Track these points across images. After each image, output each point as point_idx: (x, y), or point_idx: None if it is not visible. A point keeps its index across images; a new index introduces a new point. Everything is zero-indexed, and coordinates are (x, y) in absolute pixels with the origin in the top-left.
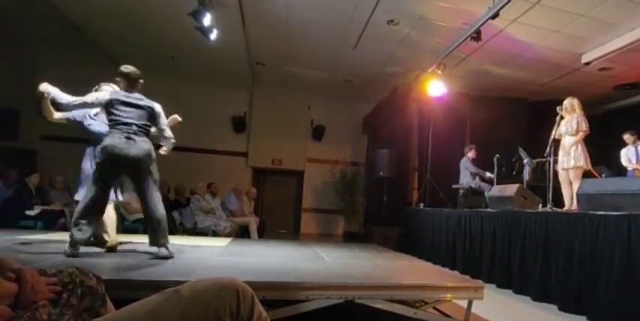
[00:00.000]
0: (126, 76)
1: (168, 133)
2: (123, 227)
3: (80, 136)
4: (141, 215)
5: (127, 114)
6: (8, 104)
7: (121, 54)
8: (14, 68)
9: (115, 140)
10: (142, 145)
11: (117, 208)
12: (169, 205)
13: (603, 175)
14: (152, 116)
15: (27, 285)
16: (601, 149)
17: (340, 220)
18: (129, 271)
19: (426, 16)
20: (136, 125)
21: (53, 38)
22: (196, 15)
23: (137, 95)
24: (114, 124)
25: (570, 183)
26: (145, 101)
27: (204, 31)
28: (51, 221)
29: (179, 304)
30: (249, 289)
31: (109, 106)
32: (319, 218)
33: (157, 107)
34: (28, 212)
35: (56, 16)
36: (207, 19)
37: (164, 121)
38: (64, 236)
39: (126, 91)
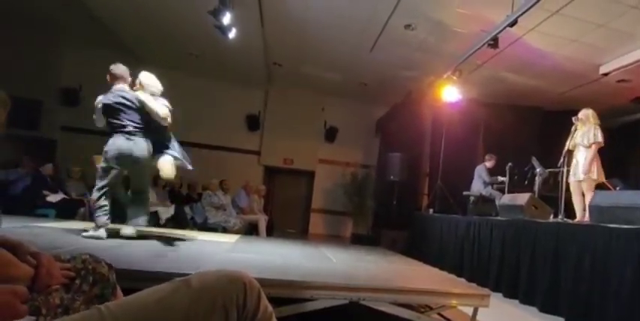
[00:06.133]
0: None
1: None
2: None
3: (101, 129)
4: (152, 208)
5: None
6: (31, 95)
7: (141, 50)
8: (38, 60)
9: None
10: None
11: None
12: (181, 200)
13: (618, 188)
14: None
15: (43, 268)
16: (616, 161)
17: (349, 222)
18: (138, 261)
19: (444, 22)
20: None
21: (76, 31)
22: (216, 13)
23: None
24: None
25: (583, 194)
26: None
27: (223, 30)
28: (68, 210)
29: (188, 294)
30: (256, 283)
31: None
32: (328, 219)
33: None
34: (49, 198)
35: (80, 10)
36: (226, 18)
37: None
38: (80, 225)
39: None
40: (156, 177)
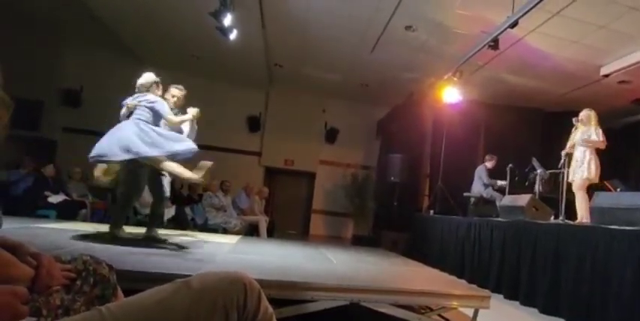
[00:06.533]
0: None
1: None
2: (136, 220)
3: (101, 130)
4: None
5: None
6: (32, 96)
7: (143, 51)
8: (39, 61)
9: None
10: None
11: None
12: (182, 201)
13: (618, 189)
14: None
15: (43, 269)
16: (617, 163)
17: (349, 224)
18: (138, 262)
19: (445, 23)
20: None
21: (78, 32)
22: (217, 15)
23: None
24: None
25: (586, 195)
26: None
27: (224, 31)
28: (69, 211)
29: (188, 295)
30: (257, 284)
31: None
32: (328, 220)
33: None
34: (50, 199)
35: (81, 11)
36: (227, 20)
37: None
38: (80, 226)
39: None
40: None
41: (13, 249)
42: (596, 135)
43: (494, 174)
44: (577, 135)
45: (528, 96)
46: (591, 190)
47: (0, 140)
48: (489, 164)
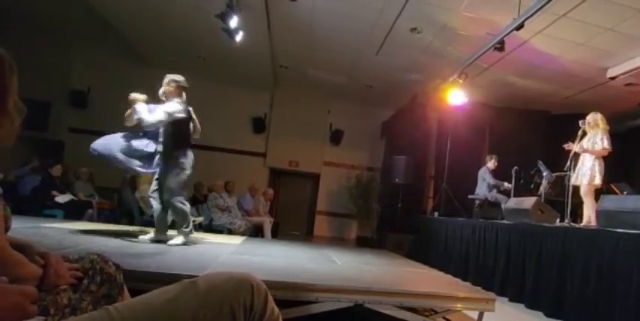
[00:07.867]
0: None
1: None
2: (142, 221)
3: (107, 131)
4: None
5: None
6: (40, 96)
7: (149, 52)
8: (47, 62)
9: None
10: None
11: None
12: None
13: (625, 193)
14: None
15: (51, 268)
16: (623, 166)
17: (353, 225)
18: (145, 262)
19: (450, 25)
20: None
21: (85, 34)
22: (223, 17)
23: None
24: None
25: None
26: None
27: (230, 33)
28: (76, 211)
29: (196, 296)
30: (264, 285)
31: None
32: (333, 222)
33: None
34: (57, 199)
35: (89, 13)
36: (233, 21)
37: None
38: (88, 226)
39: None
40: None
41: (21, 248)
42: (601, 142)
43: (498, 174)
44: (584, 139)
45: (534, 98)
46: (599, 193)
47: (11, 142)
48: (491, 164)
